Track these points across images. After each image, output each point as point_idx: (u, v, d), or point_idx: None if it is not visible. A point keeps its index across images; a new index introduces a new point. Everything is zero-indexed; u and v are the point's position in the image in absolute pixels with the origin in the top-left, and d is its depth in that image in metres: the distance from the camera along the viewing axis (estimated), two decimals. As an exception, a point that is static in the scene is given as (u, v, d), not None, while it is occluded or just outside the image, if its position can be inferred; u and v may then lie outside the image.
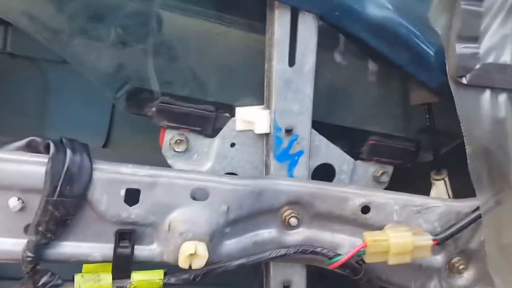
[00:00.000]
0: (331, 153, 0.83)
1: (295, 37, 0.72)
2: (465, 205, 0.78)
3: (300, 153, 0.78)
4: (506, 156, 0.72)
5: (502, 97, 0.71)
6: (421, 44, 0.73)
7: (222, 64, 0.78)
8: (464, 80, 0.70)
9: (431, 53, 0.73)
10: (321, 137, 0.81)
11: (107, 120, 0.91)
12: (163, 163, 0.77)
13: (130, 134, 0.91)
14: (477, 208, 0.74)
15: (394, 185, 0.87)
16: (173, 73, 0.75)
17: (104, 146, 0.92)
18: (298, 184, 0.77)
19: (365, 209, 0.78)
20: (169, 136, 0.76)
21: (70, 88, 0.89)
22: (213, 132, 0.78)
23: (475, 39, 0.70)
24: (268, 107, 0.76)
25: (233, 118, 0.77)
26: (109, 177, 0.65)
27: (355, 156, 0.85)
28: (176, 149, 0.76)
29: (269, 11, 0.72)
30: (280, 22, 0.71)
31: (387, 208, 0.78)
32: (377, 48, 0.73)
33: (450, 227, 0.75)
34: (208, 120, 0.77)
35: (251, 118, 0.76)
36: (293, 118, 0.76)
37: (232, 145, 0.79)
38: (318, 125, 0.80)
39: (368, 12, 0.70)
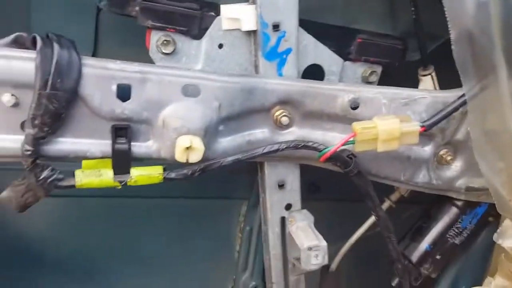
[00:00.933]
0: (319, 53, 0.83)
1: None
2: (451, 95, 0.80)
3: (289, 50, 0.79)
4: (489, 40, 0.72)
5: (486, -21, 0.71)
6: None
7: None
8: (449, -38, 0.70)
9: None
10: (309, 36, 0.81)
11: (92, 33, 0.90)
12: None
13: (117, 47, 0.91)
14: (463, 95, 0.75)
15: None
16: None
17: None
18: (288, 83, 0.78)
19: (354, 104, 0.80)
20: (155, 37, 0.75)
21: (53, 2, 0.87)
22: (199, 33, 0.77)
23: None
24: (254, 2, 0.75)
25: (219, 17, 0.77)
26: (99, 72, 0.66)
27: (344, 56, 0.86)
28: (163, 51, 0.76)
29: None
30: None
31: (375, 102, 0.80)
32: None
33: (437, 113, 0.77)
34: (194, 19, 0.76)
35: (237, 15, 0.76)
36: (280, 12, 0.76)
37: (220, 46, 0.78)
38: (305, 24, 0.80)
39: None
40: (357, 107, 0.80)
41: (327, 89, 0.80)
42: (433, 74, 0.86)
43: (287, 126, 0.80)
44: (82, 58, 0.64)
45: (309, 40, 0.81)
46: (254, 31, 0.77)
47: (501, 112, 0.73)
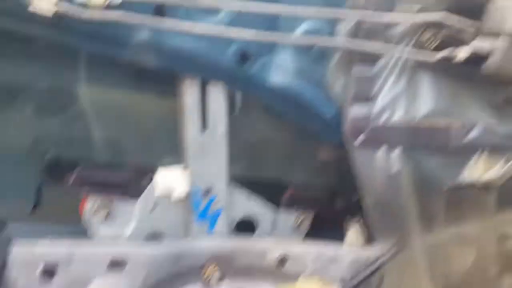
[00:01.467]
0: (251, 205, 0.87)
1: (205, 104, 0.77)
2: (373, 252, 0.84)
3: (219, 211, 0.83)
4: (401, 208, 0.79)
5: (395, 154, 0.78)
6: (321, 106, 0.79)
7: (140, 129, 0.81)
8: (359, 139, 0.77)
9: (331, 113, 0.80)
10: (241, 191, 0.85)
11: (35, 183, 0.92)
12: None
13: (58, 197, 0.93)
14: (381, 256, 0.80)
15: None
16: (91, 142, 0.78)
17: (34, 209, 0.93)
18: (218, 243, 0.81)
19: (283, 261, 0.83)
20: (89, 204, 0.78)
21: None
22: (134, 196, 0.80)
23: (368, 100, 0.77)
24: (186, 170, 0.80)
25: (152, 182, 0.80)
26: (26, 255, 0.67)
27: (276, 206, 0.90)
28: (97, 216, 0.78)
29: (179, 82, 0.77)
30: (190, 91, 0.76)
31: (302, 258, 0.83)
32: (282, 110, 0.79)
33: (357, 275, 0.81)
34: (129, 185, 0.79)
35: (170, 181, 0.80)
36: (210, 179, 0.81)
37: (154, 207, 0.81)
38: (238, 178, 0.85)
39: (270, 79, 0.76)
40: (286, 262, 0.83)
41: (257, 246, 0.83)
42: (359, 224, 0.91)
43: (219, 282, 0.82)
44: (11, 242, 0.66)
45: (241, 194, 0.86)
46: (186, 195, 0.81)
47: (415, 277, 0.78)
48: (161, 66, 0.71)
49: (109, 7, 0.60)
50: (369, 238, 0.90)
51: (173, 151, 0.82)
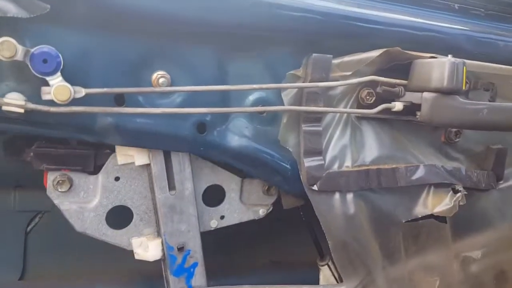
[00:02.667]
0: (217, 175, 0.90)
1: (171, 169, 0.84)
2: (345, 288, 0.90)
3: (195, 264, 0.89)
4: (361, 246, 0.85)
5: (350, 197, 0.86)
6: (278, 162, 0.87)
7: None
8: (315, 187, 0.84)
9: (288, 167, 0.87)
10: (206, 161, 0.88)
11: (21, 252, 0.98)
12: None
13: (45, 264, 0.99)
14: (350, 294, 0.86)
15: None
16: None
17: (21, 278, 0.99)
18: (196, 293, 0.87)
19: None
20: (51, 178, 0.80)
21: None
22: (95, 169, 0.82)
23: (319, 153, 0.85)
24: (159, 233, 0.86)
25: (114, 153, 0.82)
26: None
27: None
28: (59, 189, 0.80)
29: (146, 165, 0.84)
30: (155, 161, 0.83)
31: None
32: (241, 169, 0.87)
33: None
34: (88, 158, 0.81)
35: (131, 151, 0.81)
36: (183, 236, 0.87)
37: (117, 178, 0.83)
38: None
39: (228, 143, 0.83)
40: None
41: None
42: (330, 263, 0.97)
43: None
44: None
45: (205, 164, 0.88)
46: (148, 165, 0.82)
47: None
48: (127, 144, 0.78)
49: (73, 101, 0.68)
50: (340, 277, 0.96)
51: None
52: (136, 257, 0.86)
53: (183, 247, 0.87)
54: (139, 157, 0.82)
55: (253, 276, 1.15)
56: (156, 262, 0.88)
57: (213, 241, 0.90)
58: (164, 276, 0.89)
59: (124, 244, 0.85)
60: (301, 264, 1.04)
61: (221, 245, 1.17)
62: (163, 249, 0.86)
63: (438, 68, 0.77)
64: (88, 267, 1.06)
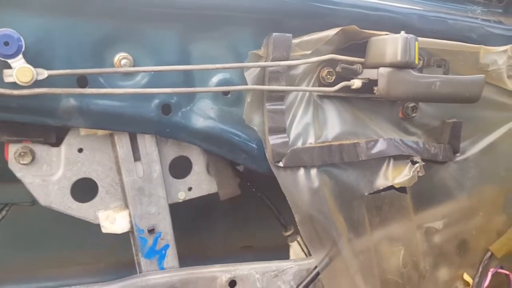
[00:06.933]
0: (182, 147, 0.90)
1: (138, 152, 0.85)
2: (313, 262, 0.93)
3: (166, 246, 0.90)
4: (327, 219, 0.89)
5: (313, 172, 0.89)
6: (244, 141, 0.89)
7: None
8: (281, 164, 0.87)
9: (254, 146, 0.90)
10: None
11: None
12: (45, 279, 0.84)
13: (13, 257, 0.98)
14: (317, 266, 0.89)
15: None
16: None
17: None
18: (169, 274, 0.88)
19: (232, 283, 0.91)
20: (12, 150, 0.78)
21: None
22: (58, 141, 0.81)
23: (283, 130, 0.88)
24: (129, 216, 0.87)
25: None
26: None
27: None
28: (21, 162, 0.79)
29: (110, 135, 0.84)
30: (121, 144, 0.83)
31: (250, 278, 0.92)
32: (208, 149, 0.88)
33: (299, 285, 0.90)
34: (50, 129, 0.80)
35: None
36: (153, 218, 0.88)
37: (80, 150, 0.83)
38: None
39: (194, 124, 0.85)
40: (235, 285, 0.91)
41: (206, 272, 0.91)
42: (299, 238, 1.00)
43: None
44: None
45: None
46: (112, 134, 0.82)
47: (350, 278, 0.87)
48: (91, 127, 0.79)
49: (36, 83, 0.69)
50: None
51: None
52: (103, 230, 0.86)
53: (153, 229, 0.88)
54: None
55: (226, 260, 1.17)
56: (126, 247, 0.90)
57: (185, 229, 0.92)
58: (135, 259, 0.89)
59: (90, 218, 0.85)
60: (272, 248, 1.06)
61: (193, 234, 1.19)
62: (131, 221, 0.86)
63: (391, 43, 0.81)
64: (57, 258, 1.06)
